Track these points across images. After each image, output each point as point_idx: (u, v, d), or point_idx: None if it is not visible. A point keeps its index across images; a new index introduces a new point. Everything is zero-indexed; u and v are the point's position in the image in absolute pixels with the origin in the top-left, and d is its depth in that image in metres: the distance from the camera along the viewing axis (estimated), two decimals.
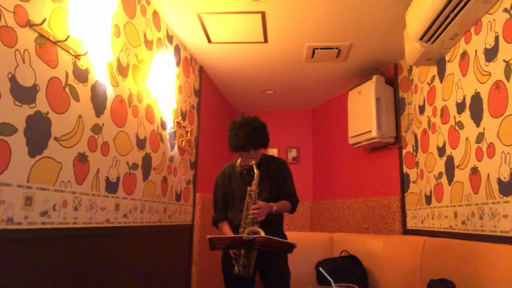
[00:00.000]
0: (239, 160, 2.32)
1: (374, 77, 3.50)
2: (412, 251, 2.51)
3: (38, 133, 1.58)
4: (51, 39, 1.65)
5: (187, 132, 3.30)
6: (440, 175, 2.61)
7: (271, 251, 2.04)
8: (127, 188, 2.28)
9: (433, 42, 2.38)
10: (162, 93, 2.76)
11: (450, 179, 2.45)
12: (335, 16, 2.81)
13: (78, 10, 1.81)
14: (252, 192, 2.11)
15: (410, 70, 3.34)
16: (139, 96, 2.46)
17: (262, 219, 2.08)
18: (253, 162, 2.14)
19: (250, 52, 3.47)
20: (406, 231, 3.25)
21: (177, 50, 3.16)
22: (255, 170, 2.12)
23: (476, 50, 2.14)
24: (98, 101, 2.00)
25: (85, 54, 1.86)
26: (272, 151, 5.19)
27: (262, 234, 1.95)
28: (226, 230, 2.24)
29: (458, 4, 2.01)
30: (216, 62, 3.71)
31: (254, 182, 2.12)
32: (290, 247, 1.95)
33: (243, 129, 2.12)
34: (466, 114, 2.24)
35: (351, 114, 3.88)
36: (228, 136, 2.21)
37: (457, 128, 2.36)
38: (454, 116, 2.39)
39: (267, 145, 2.23)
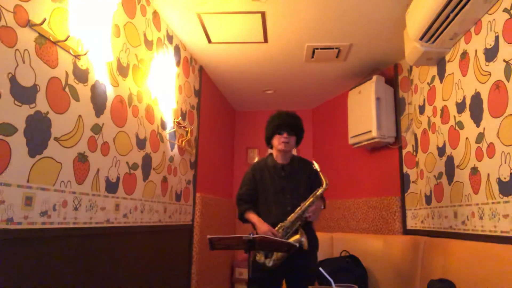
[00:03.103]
0: (271, 156, 2.38)
1: (374, 77, 3.50)
2: (412, 251, 2.51)
3: (38, 133, 1.58)
4: (51, 39, 1.65)
5: (187, 132, 3.30)
6: (440, 175, 2.61)
7: (303, 252, 2.06)
8: (127, 188, 2.28)
9: (433, 42, 2.38)
10: (162, 93, 2.76)
11: (450, 179, 2.45)
12: (335, 16, 2.81)
13: (78, 10, 1.81)
14: (315, 199, 2.13)
15: (410, 70, 3.33)
16: (139, 96, 2.46)
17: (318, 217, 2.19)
18: (316, 165, 2.17)
19: (250, 52, 3.47)
20: (406, 231, 3.24)
21: (177, 50, 3.16)
22: (324, 179, 2.13)
23: (476, 50, 2.14)
24: (98, 101, 2.00)
25: (85, 54, 1.86)
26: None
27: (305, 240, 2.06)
28: (259, 221, 2.16)
29: (458, 4, 2.01)
30: (216, 62, 3.71)
31: (320, 190, 2.13)
32: (291, 247, 1.95)
33: (284, 114, 2.28)
34: (466, 114, 2.24)
35: (351, 114, 3.88)
36: (267, 124, 2.34)
37: (457, 128, 2.36)
38: (454, 116, 2.39)
39: (300, 139, 2.34)
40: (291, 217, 2.12)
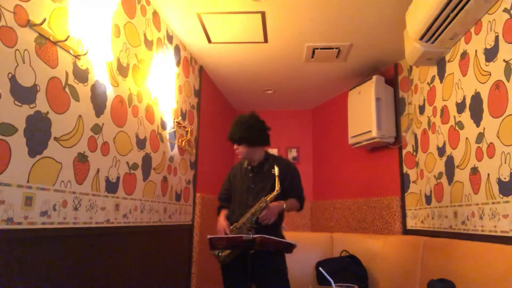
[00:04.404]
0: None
1: (374, 77, 3.50)
2: (412, 251, 2.51)
3: (38, 133, 1.58)
4: (51, 39, 1.65)
5: (187, 132, 3.30)
6: (440, 175, 2.61)
7: (267, 250, 2.05)
8: (127, 188, 2.28)
9: (433, 42, 2.38)
10: (162, 93, 2.76)
11: (450, 179, 2.45)
12: (335, 16, 2.81)
13: (78, 10, 1.81)
14: (264, 203, 2.12)
15: (410, 70, 3.34)
16: (139, 96, 2.46)
17: (273, 220, 2.14)
18: (276, 169, 2.16)
19: (250, 52, 3.47)
20: (406, 231, 3.25)
21: (177, 50, 3.16)
22: (277, 185, 2.13)
23: (476, 50, 2.14)
24: (98, 101, 2.00)
25: (85, 54, 1.86)
26: (272, 151, 5.19)
27: None
28: (221, 218, 2.32)
29: (458, 4, 2.01)
30: (216, 62, 3.71)
31: (271, 196, 2.13)
32: (290, 247, 1.95)
33: (232, 124, 2.32)
34: (466, 114, 2.24)
35: (351, 114, 3.87)
36: None
37: (457, 128, 2.36)
38: (454, 116, 2.39)
39: (253, 140, 2.27)
40: (243, 217, 2.17)
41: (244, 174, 2.36)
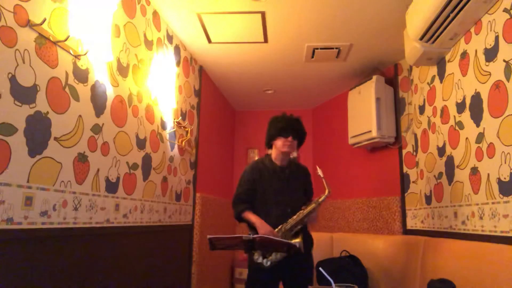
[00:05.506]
0: (268, 157, 2.36)
1: (374, 77, 3.50)
2: (412, 251, 2.52)
3: (38, 133, 1.58)
4: (51, 39, 1.65)
5: (187, 132, 3.30)
6: (440, 175, 2.61)
7: (301, 253, 2.05)
8: (127, 188, 2.28)
9: (433, 42, 2.38)
10: (162, 93, 2.76)
11: (450, 179, 2.45)
12: (335, 16, 2.81)
13: (78, 10, 1.81)
14: (316, 204, 2.16)
15: (410, 70, 3.34)
16: (139, 96, 2.46)
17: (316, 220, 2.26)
18: (319, 170, 2.19)
19: (250, 52, 3.47)
20: (406, 231, 3.25)
21: (177, 50, 3.16)
22: (326, 186, 2.17)
23: (476, 50, 2.14)
24: (98, 101, 2.00)
25: (85, 54, 1.86)
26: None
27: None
28: (259, 220, 2.13)
29: (458, 4, 2.01)
30: (216, 62, 3.71)
31: (323, 197, 2.17)
32: (291, 247, 1.95)
33: (288, 117, 2.28)
34: (466, 114, 2.24)
35: (351, 114, 3.87)
36: (270, 125, 2.31)
37: (457, 128, 2.36)
38: (454, 116, 2.39)
39: (302, 143, 2.35)
40: (293, 220, 2.12)
41: (274, 174, 2.29)
